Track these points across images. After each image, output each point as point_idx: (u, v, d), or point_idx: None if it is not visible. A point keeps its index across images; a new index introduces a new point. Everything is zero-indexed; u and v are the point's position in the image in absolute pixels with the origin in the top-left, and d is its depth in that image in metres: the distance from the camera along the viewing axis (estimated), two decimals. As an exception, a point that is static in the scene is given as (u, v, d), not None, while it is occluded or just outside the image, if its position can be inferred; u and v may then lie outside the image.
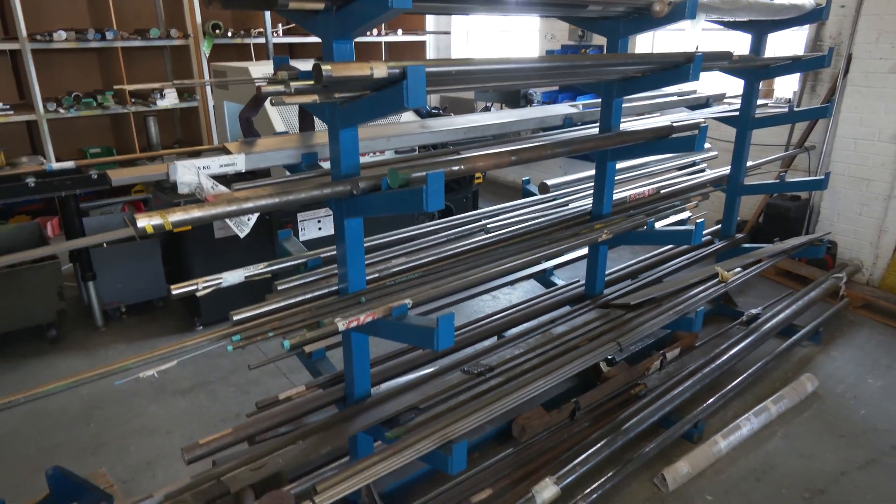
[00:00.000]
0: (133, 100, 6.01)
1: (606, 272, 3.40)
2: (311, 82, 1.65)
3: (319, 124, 3.85)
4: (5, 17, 5.85)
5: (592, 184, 2.92)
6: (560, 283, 3.43)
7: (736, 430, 2.90)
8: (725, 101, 3.91)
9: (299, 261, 2.41)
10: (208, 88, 6.34)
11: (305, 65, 4.94)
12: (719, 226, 4.04)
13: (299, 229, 4.32)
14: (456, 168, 1.91)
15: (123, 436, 3.03)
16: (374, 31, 7.32)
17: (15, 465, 2.81)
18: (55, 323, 3.88)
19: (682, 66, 2.27)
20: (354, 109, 1.88)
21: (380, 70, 1.52)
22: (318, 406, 2.35)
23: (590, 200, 3.00)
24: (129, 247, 4.18)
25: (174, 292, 2.10)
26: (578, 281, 3.27)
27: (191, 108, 6.50)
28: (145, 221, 1.51)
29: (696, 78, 2.25)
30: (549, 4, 2.22)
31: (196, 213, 1.60)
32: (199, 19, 6.14)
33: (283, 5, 1.72)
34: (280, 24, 6.70)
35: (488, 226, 2.75)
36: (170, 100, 5.90)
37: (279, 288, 2.20)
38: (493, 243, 2.65)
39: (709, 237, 3.98)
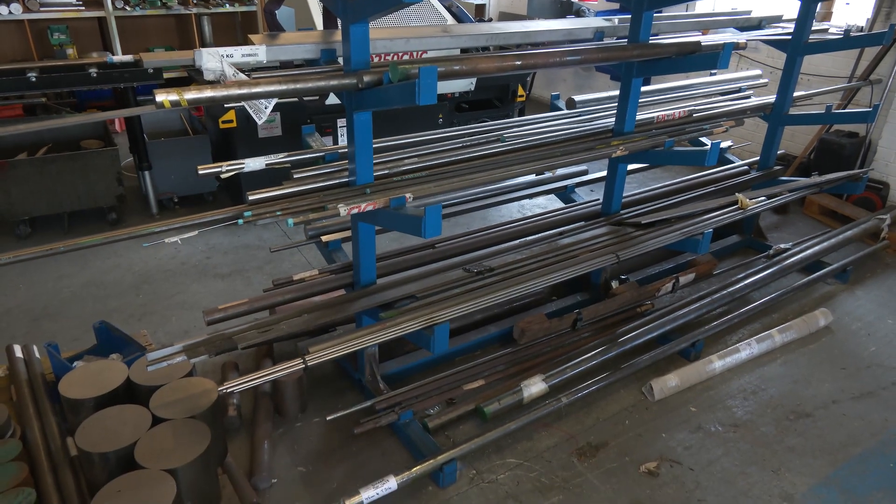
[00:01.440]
0: (195, 1, 6.17)
1: (629, 194, 3.43)
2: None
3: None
4: (77, -87, 6.04)
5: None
6: (580, 199, 3.48)
7: (734, 353, 2.96)
8: (781, 24, 3.71)
9: (317, 154, 2.56)
10: (266, -7, 6.42)
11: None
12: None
13: (338, 135, 4.48)
14: (456, 67, 1.98)
15: (167, 308, 3.38)
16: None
17: (72, 323, 3.21)
18: (115, 207, 4.25)
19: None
20: (362, 2, 1.96)
21: (373, -40, 1.59)
22: (328, 288, 2.57)
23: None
24: (182, 141, 4.45)
25: (200, 172, 2.30)
26: (598, 200, 3.32)
27: (250, 13, 6.62)
28: (163, 97, 1.68)
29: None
30: None
31: (209, 92, 1.76)
32: (258, -80, 6.15)
33: None
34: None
35: (504, 136, 2.81)
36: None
37: (295, 176, 2.36)
38: (506, 152, 2.72)
39: (745, 167, 3.89)
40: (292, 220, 2.04)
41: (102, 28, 6.50)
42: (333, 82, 1.98)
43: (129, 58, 4.07)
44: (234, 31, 7.26)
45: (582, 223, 3.16)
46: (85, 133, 4.52)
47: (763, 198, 3.29)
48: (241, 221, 2.07)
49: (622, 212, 3.21)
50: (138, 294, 3.49)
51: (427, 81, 1.78)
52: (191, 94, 1.73)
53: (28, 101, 5.18)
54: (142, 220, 4.38)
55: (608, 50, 2.49)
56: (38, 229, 4.13)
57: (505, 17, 7.16)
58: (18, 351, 2.59)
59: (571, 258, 2.64)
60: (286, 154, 2.47)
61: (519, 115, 5.30)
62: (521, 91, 5.15)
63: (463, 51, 3.57)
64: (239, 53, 2.18)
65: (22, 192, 3.82)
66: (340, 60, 2.45)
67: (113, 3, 5.77)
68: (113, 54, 5.95)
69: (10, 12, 5.27)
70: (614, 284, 3.26)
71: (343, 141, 4.49)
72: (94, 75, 3.84)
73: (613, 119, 3.05)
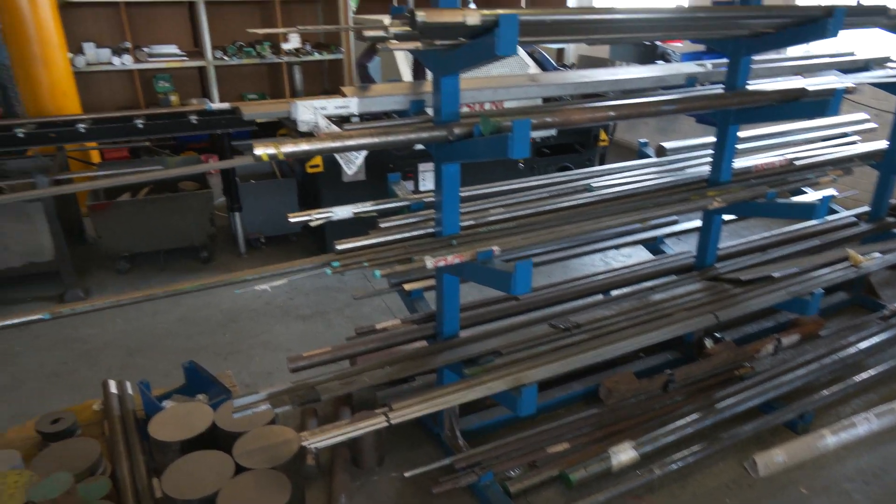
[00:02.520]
0: (286, 50, 6.50)
1: (725, 246, 3.23)
2: (408, 28, 1.74)
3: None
4: (186, -27, 6.55)
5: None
6: (670, 252, 3.32)
7: (850, 428, 2.68)
8: (889, 64, 3.46)
9: (403, 203, 2.56)
10: (352, 42, 6.68)
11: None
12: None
13: (419, 179, 4.52)
14: (549, 119, 1.93)
15: (251, 347, 3.44)
16: (517, -13, 7.23)
17: (164, 358, 3.32)
18: (207, 246, 4.43)
19: (819, 22, 2.07)
20: (453, 57, 1.96)
21: (473, 18, 1.58)
22: (410, 339, 2.54)
23: (709, 167, 2.85)
24: (271, 184, 4.62)
25: (291, 220, 2.34)
26: (690, 252, 3.15)
27: (337, 62, 6.90)
28: (261, 150, 1.72)
29: (835, 34, 2.05)
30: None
31: (304, 146, 1.79)
32: (349, -26, 6.44)
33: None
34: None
35: (592, 185, 2.72)
36: (293, 44, 6.27)
37: (381, 226, 2.37)
38: (595, 202, 2.63)
39: (853, 219, 3.60)
40: (379, 272, 2.02)
41: (202, 75, 6.96)
42: (424, 135, 1.97)
43: (225, 106, 4.30)
44: (321, 77, 7.59)
45: (673, 277, 2.99)
46: (182, 174, 4.77)
47: (877, 253, 3.02)
48: (329, 272, 2.08)
49: (717, 266, 3.02)
50: (225, 333, 3.59)
51: (520, 135, 1.73)
52: (287, 148, 1.76)
53: (133, 145, 5.55)
54: (231, 259, 4.55)
55: (706, 98, 2.38)
56: (137, 264, 4.36)
57: (585, 61, 7.11)
58: (113, 386, 2.68)
59: (665, 316, 2.49)
60: (372, 203, 2.49)
61: (600, 160, 5.19)
62: (603, 135, 5.05)
63: (547, 98, 3.54)
64: (332, 106, 2.23)
65: (124, 230, 4.05)
66: (429, 111, 2.46)
67: (213, 54, 6.15)
68: (211, 100, 6.33)
69: (123, 63, 5.72)
70: (708, 343, 3.06)
71: (424, 186, 4.52)
72: (195, 122, 4.07)
73: (706, 167, 2.90)
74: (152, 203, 4.06)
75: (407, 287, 2.71)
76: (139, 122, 3.92)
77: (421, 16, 1.58)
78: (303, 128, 2.21)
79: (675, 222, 3.33)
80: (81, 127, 3.80)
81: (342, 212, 2.42)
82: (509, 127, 1.75)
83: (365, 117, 3.23)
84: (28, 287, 3.96)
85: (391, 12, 2.50)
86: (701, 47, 5.68)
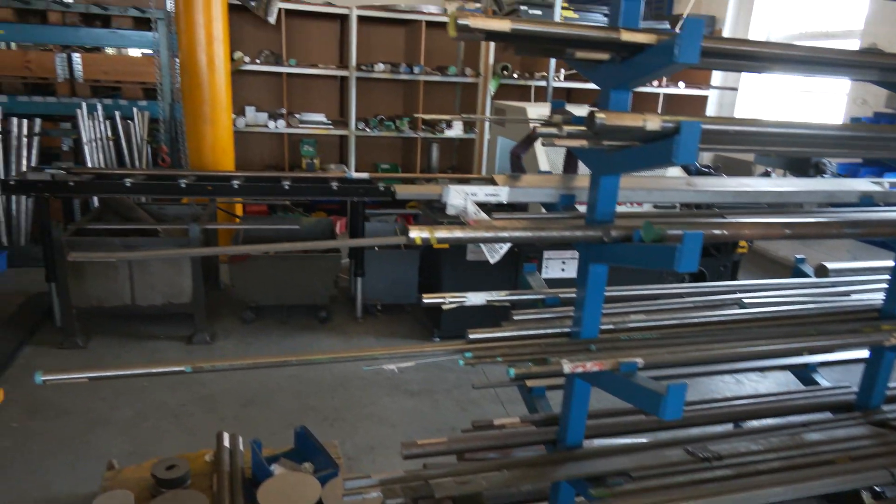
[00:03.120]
0: (423, 127, 6.80)
1: (891, 384, 2.83)
2: (583, 128, 1.70)
3: (581, 168, 3.93)
4: (342, 50, 7.11)
5: (888, 277, 2.47)
6: (824, 383, 2.95)
7: None
8: None
9: (538, 296, 2.47)
10: (486, 124, 6.88)
11: (579, 110, 5.08)
12: None
13: (543, 266, 4.43)
14: (718, 232, 1.79)
15: (357, 418, 3.41)
16: (655, 83, 7.19)
17: (274, 414, 3.36)
18: (327, 306, 4.55)
19: None
20: (620, 158, 1.89)
21: (653, 123, 1.51)
22: (528, 442, 2.38)
23: (881, 295, 2.53)
24: (396, 254, 4.72)
25: (425, 301, 2.31)
26: (849, 387, 2.78)
27: (469, 140, 7.11)
28: (416, 234, 1.71)
29: None
30: (866, 67, 1.96)
31: (458, 233, 1.76)
32: (491, 60, 6.71)
33: (570, 55, 1.81)
34: (562, 70, 6.98)
35: (744, 300, 2.50)
36: (455, 131, 6.53)
37: (515, 318, 2.28)
38: (747, 320, 2.40)
39: None
40: (513, 371, 1.92)
41: (342, 143, 7.41)
42: (577, 233, 1.89)
43: (364, 175, 4.49)
44: (450, 154, 7.84)
45: (828, 414, 2.64)
46: (314, 234, 5.00)
47: None
48: (461, 362, 2.00)
49: (884, 408, 2.63)
50: (333, 397, 3.59)
51: (690, 248, 1.60)
52: (441, 234, 1.75)
53: (273, 202, 5.94)
54: (347, 322, 4.63)
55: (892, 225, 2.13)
56: (261, 316, 4.54)
57: (725, 162, 6.85)
58: (226, 440, 2.72)
59: (825, 463, 2.17)
60: (508, 292, 2.42)
61: (734, 268, 4.86)
62: (742, 242, 4.75)
63: (697, 206, 3.38)
64: (483, 192, 2.22)
65: (255, 282, 4.25)
66: (579, 207, 2.39)
67: (356, 125, 6.54)
68: (347, 167, 6.69)
69: (276, 127, 6.21)
70: (867, 498, 2.64)
71: (547, 274, 4.42)
72: (335, 188, 4.27)
73: (878, 295, 2.58)
74: (285, 260, 4.25)
75: (529, 383, 2.57)
76: (286, 184, 4.17)
77: (601, 117, 1.53)
78: (451, 211, 2.21)
79: (832, 349, 2.98)
80: (235, 183, 4.09)
81: (476, 298, 2.36)
82: (677, 237, 1.63)
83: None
84: (163, 324, 4.22)
85: (552, 106, 2.52)
86: (857, 159, 5.30)
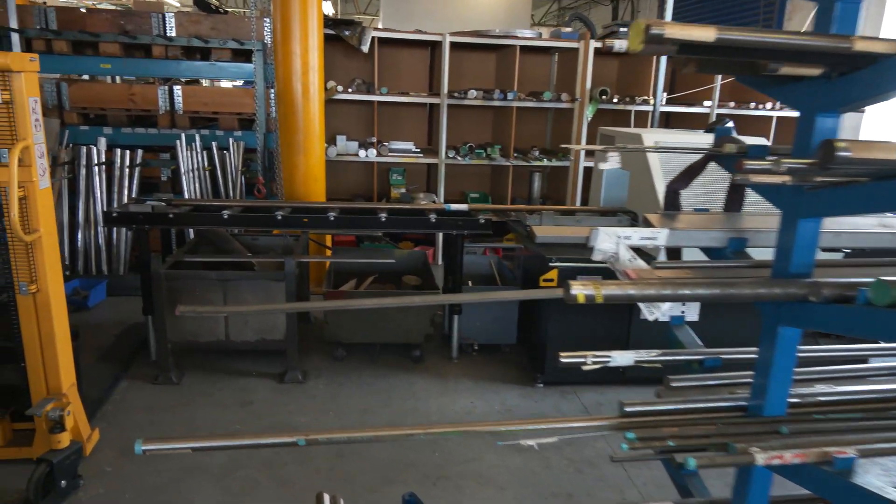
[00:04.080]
0: (515, 154, 6.51)
1: None
2: (807, 161, 1.33)
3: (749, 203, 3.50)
4: (431, 78, 6.97)
5: None
6: None
7: None
8: None
9: (694, 356, 2.09)
10: (582, 152, 6.52)
11: (694, 136, 4.65)
12: None
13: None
14: (983, 295, 1.36)
15: (461, 475, 3.08)
16: (768, 104, 6.62)
17: (371, 468, 3.08)
18: (421, 345, 4.28)
19: None
20: (831, 198, 1.50)
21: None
22: (684, 533, 1.98)
23: None
24: (492, 289, 4.41)
25: (563, 360, 1.98)
26: None
27: (560, 168, 6.76)
28: (579, 290, 1.39)
29: None
30: None
31: (631, 290, 1.43)
32: (588, 84, 6.37)
33: (773, 70, 1.46)
34: (664, 94, 6.54)
35: (962, 369, 2.01)
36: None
37: (672, 385, 1.91)
38: (968, 395, 1.91)
39: None
40: (693, 461, 1.55)
41: (429, 171, 7.23)
42: (777, 290, 1.51)
43: (463, 207, 4.23)
44: (541, 182, 7.50)
45: None
46: (407, 267, 4.77)
47: None
48: (625, 447, 1.64)
49: None
50: (434, 451, 3.28)
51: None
52: (609, 290, 1.42)
53: (363, 233, 5.78)
54: (441, 363, 4.33)
55: None
56: (352, 353, 4.32)
57: None
58: (327, 500, 2.46)
59: None
60: (659, 352, 2.04)
61: None
62: None
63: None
64: (637, 236, 1.88)
65: (350, 319, 4.04)
66: (750, 251, 2.01)
67: (446, 153, 6.34)
68: (437, 195, 6.48)
69: (367, 156, 6.08)
70: None
71: (690, 316, 3.97)
72: (433, 220, 4.02)
73: None
74: (379, 297, 4.02)
75: (678, 458, 2.17)
76: (382, 216, 3.96)
77: (844, 149, 1.17)
78: (597, 256, 1.88)
79: None
80: (331, 215, 3.92)
81: (622, 358, 2.01)
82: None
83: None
84: (255, 361, 4.07)
85: (718, 134, 2.16)
86: None
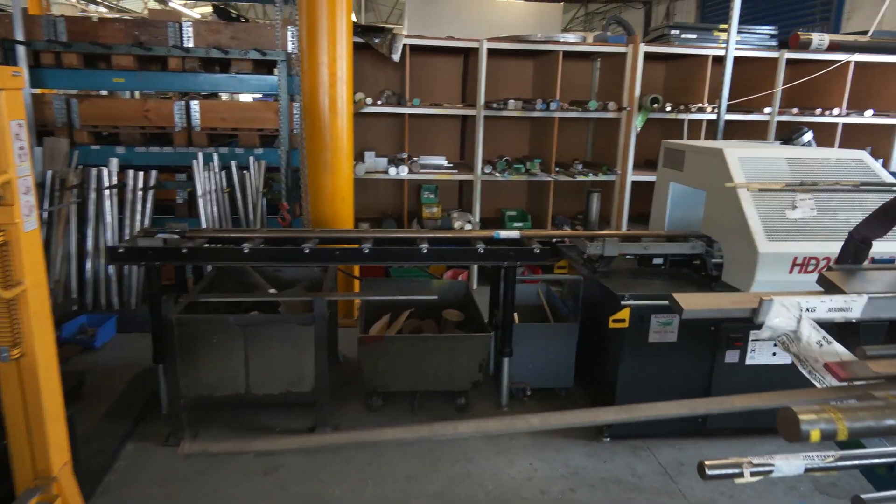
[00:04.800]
0: (557, 169, 5.98)
1: None
2: None
3: None
4: (464, 87, 6.48)
5: None
6: None
7: None
8: None
9: (883, 458, 1.54)
10: (630, 164, 5.98)
11: (778, 148, 4.08)
12: None
13: (748, 349, 3.43)
14: None
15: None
16: (835, 109, 6.02)
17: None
18: (467, 392, 3.75)
19: None
20: None
21: None
22: None
23: None
24: (550, 328, 3.89)
25: (709, 472, 1.44)
26: None
27: (604, 182, 6.21)
28: (811, 426, 0.88)
29: None
30: None
31: (890, 420, 0.91)
32: (637, 91, 5.83)
33: None
34: (716, 101, 5.97)
35: None
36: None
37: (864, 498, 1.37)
38: None
39: None
40: None
41: (461, 187, 6.73)
42: None
43: (514, 234, 3.72)
44: (579, 198, 6.97)
45: None
46: (447, 300, 4.26)
47: None
48: None
49: None
50: (497, 535, 2.75)
51: None
52: (859, 422, 0.90)
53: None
54: (489, 410, 3.81)
55: None
56: (389, 402, 3.81)
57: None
58: None
59: None
60: (836, 455, 1.50)
61: None
62: None
63: None
64: (825, 307, 1.35)
65: (389, 366, 3.53)
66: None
67: (483, 170, 5.83)
68: (472, 214, 5.97)
69: (398, 173, 5.60)
70: None
71: (754, 359, 3.42)
72: (481, 252, 3.52)
73: None
74: (425, 342, 3.51)
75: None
76: (423, 248, 3.46)
77: None
78: (766, 334, 1.36)
79: None
80: (366, 248, 3.42)
81: (787, 466, 1.47)
82: None
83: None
84: (280, 415, 3.58)
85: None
86: None
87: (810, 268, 3.21)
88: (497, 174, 5.80)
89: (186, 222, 4.98)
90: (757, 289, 3.22)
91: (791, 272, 3.21)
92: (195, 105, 5.18)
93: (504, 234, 3.71)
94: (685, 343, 3.39)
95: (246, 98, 9.13)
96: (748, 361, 3.43)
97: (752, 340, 3.41)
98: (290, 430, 3.48)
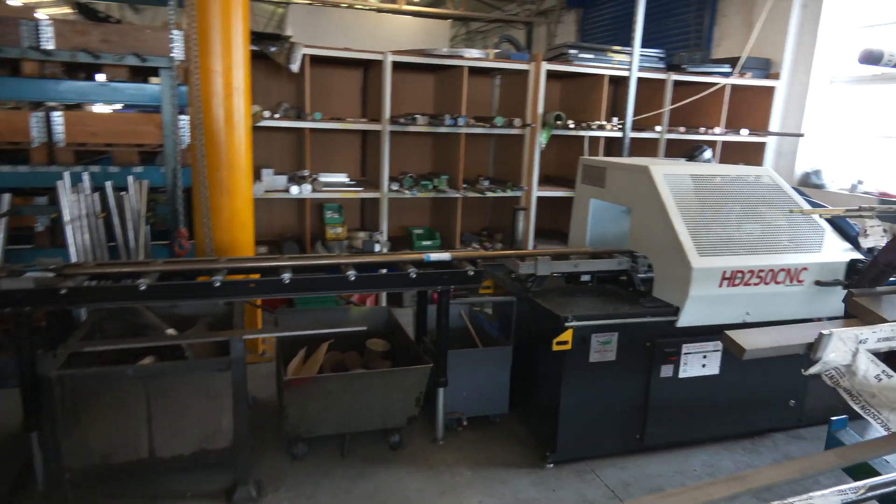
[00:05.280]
0: (465, 186, 5.87)
1: None
2: None
3: None
4: (364, 101, 6.21)
5: None
6: None
7: None
8: None
9: (879, 489, 1.49)
10: (534, 181, 6.02)
11: (699, 166, 4.23)
12: None
13: (681, 364, 3.47)
14: None
15: None
16: (716, 128, 6.46)
17: None
18: (401, 428, 3.47)
19: None
20: None
21: None
22: None
23: None
24: (483, 353, 3.70)
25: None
26: None
27: (506, 199, 6.18)
28: None
29: None
30: None
31: None
32: (540, 108, 5.89)
33: None
34: (614, 118, 6.20)
35: None
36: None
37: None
38: None
39: None
40: None
41: (363, 206, 6.43)
42: None
43: (445, 256, 3.50)
44: (483, 212, 6.93)
45: None
46: (371, 327, 3.91)
47: None
48: None
49: None
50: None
51: None
52: None
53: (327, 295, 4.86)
54: (424, 446, 3.55)
55: None
56: (315, 447, 3.42)
57: None
58: None
59: None
60: (867, 486, 1.42)
61: None
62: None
63: None
64: (875, 337, 1.26)
65: (318, 409, 3.16)
66: None
67: (389, 187, 5.58)
68: (376, 231, 5.69)
69: (300, 192, 5.20)
70: None
71: (687, 372, 3.46)
72: (413, 276, 3.27)
73: None
74: (361, 380, 3.18)
75: None
76: (351, 275, 3.15)
77: None
78: (813, 370, 1.25)
79: None
80: (286, 277, 3.05)
81: (824, 502, 1.36)
82: None
83: None
84: (190, 477, 3.07)
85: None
86: None
87: (737, 281, 3.30)
88: (406, 191, 5.57)
89: (51, 254, 4.24)
90: (691, 304, 3.25)
91: (721, 286, 3.28)
92: (58, 117, 4.46)
93: (435, 256, 3.49)
94: (623, 361, 3.36)
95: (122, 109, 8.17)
96: (681, 375, 3.46)
97: (685, 354, 3.45)
98: (203, 494, 2.99)
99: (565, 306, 3.36)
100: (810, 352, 1.25)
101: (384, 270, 3.44)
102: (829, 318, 3.66)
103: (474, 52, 5.85)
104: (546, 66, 5.82)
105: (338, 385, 3.12)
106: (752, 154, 6.89)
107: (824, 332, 1.22)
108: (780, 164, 6.97)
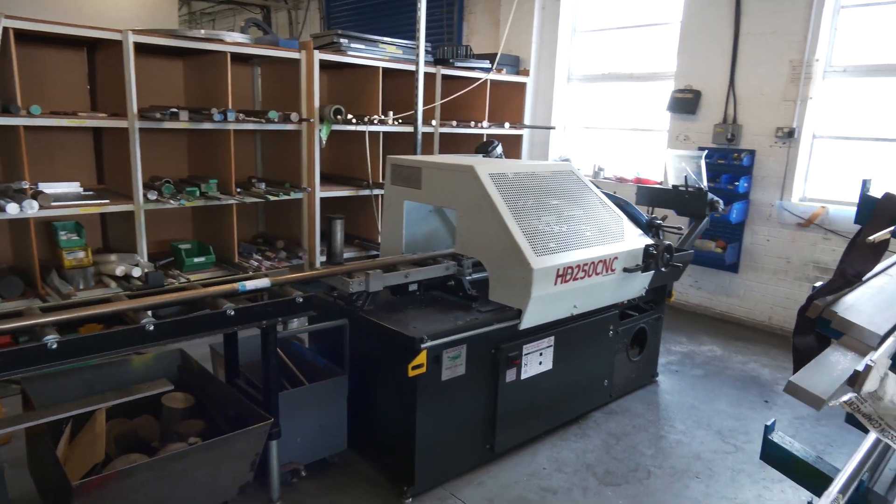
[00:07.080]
0: (238, 190, 5.12)
1: None
2: None
3: None
4: (93, 92, 5.00)
5: None
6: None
7: None
8: None
9: None
10: (317, 183, 5.54)
11: (516, 163, 4.20)
12: None
13: (523, 364, 3.45)
14: None
15: None
16: (485, 122, 6.71)
17: None
18: (229, 501, 2.80)
19: None
20: None
21: None
22: None
23: None
24: (315, 390, 3.19)
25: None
26: None
27: (288, 203, 5.60)
28: None
29: None
30: None
31: None
32: (317, 102, 5.41)
33: None
34: (391, 112, 6.01)
35: None
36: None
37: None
38: None
39: None
40: None
41: (103, 221, 5.22)
42: None
43: (264, 283, 2.91)
44: (255, 220, 6.21)
45: None
46: (151, 377, 3.09)
47: None
48: None
49: None
50: None
51: None
52: None
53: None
54: (260, 513, 2.94)
55: None
56: (112, 557, 2.56)
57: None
58: None
59: None
60: None
61: None
62: None
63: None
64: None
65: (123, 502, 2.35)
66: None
67: (145, 196, 4.58)
68: (140, 255, 4.64)
69: (24, 210, 3.93)
70: None
71: (528, 373, 3.45)
72: (232, 314, 2.64)
73: None
74: (186, 458, 2.43)
75: None
76: (148, 324, 2.40)
77: None
78: (843, 398, 1.16)
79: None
80: (51, 341, 2.18)
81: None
82: None
83: None
84: None
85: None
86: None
87: (568, 276, 3.37)
88: (171, 201, 4.61)
89: None
90: (533, 304, 3.22)
91: (556, 283, 3.31)
92: None
93: (251, 284, 2.87)
94: (472, 373, 3.20)
95: None
96: (524, 376, 3.45)
97: (525, 355, 3.43)
98: None
99: (408, 324, 3.06)
100: (854, 385, 1.18)
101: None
102: (629, 300, 4.01)
103: (237, 36, 5.09)
104: (319, 56, 5.34)
105: (152, 474, 2.35)
106: (513, 146, 7.34)
107: (869, 363, 1.16)
108: (534, 154, 7.59)
